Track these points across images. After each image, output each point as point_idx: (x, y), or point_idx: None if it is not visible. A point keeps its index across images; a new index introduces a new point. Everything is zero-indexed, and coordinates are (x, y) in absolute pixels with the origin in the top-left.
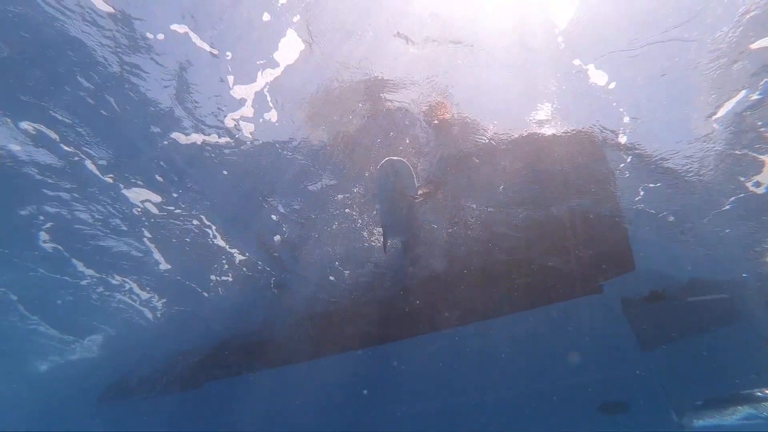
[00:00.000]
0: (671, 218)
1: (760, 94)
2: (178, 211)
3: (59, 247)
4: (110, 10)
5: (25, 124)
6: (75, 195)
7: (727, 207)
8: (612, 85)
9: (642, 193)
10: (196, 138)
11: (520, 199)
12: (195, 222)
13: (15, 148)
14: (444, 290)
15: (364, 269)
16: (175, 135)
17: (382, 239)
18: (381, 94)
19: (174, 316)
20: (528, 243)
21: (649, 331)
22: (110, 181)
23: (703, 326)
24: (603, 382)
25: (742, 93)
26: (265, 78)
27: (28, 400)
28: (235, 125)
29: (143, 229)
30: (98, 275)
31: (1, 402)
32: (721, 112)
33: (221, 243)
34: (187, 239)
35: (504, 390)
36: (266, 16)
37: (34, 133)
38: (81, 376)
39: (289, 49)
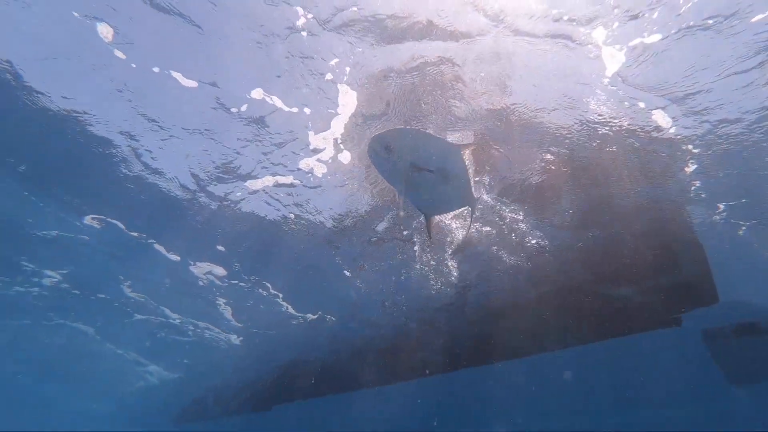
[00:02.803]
0: (742, 231)
1: None
2: (242, 284)
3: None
4: (193, 84)
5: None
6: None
7: None
8: (672, 128)
9: (722, 207)
10: (269, 180)
11: (587, 222)
12: (263, 292)
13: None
14: (510, 320)
15: (427, 307)
16: (248, 183)
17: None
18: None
19: (250, 349)
20: (596, 271)
21: (739, 365)
22: (176, 258)
23: None
24: (686, 417)
25: None
26: (337, 125)
27: (116, 418)
28: (310, 168)
29: (215, 297)
30: (186, 318)
31: (94, 419)
32: None
33: (292, 311)
34: (262, 306)
35: (576, 422)
36: (329, 76)
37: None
38: (161, 397)
39: (347, 100)
